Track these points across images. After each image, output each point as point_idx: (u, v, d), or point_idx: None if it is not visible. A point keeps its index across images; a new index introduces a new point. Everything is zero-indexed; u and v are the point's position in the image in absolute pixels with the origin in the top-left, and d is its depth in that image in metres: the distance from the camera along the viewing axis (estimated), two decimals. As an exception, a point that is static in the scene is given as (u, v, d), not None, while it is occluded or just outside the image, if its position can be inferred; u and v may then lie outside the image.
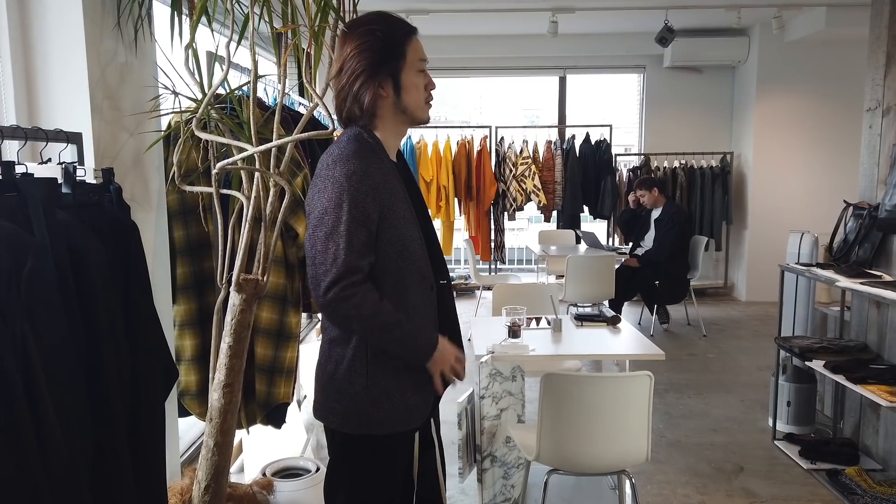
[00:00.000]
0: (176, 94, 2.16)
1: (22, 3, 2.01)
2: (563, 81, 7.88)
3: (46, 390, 1.23)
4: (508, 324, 2.86)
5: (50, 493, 1.21)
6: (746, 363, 5.20)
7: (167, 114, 2.36)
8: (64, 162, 1.56)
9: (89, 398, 1.41)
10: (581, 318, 3.25)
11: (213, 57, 2.41)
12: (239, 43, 2.11)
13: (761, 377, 4.77)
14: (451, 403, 2.67)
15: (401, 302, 1.56)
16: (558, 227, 7.42)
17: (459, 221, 7.58)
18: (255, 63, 2.02)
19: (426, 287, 1.62)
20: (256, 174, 2.03)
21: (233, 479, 2.54)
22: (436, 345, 1.59)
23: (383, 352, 1.57)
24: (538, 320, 3.26)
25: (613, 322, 3.19)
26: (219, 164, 1.87)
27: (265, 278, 2.08)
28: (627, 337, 3.04)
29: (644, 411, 2.24)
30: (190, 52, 2.04)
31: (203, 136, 2.04)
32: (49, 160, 1.66)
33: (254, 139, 1.92)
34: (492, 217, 7.44)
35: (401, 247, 1.56)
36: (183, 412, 2.66)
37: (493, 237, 7.48)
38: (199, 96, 2.11)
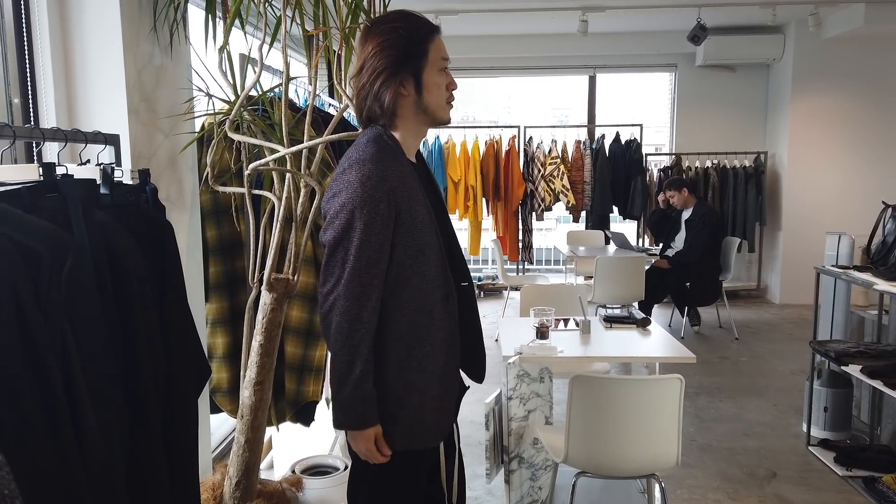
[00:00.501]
0: (210, 96, 2.20)
1: (62, 9, 2.06)
2: (592, 81, 7.82)
3: (85, 389, 1.26)
4: (536, 325, 2.85)
5: (88, 489, 1.24)
6: (780, 367, 5.10)
7: (201, 115, 2.40)
8: (102, 163, 1.59)
9: (125, 397, 1.44)
10: (610, 320, 3.23)
11: (245, 59, 2.44)
12: (271, 45, 2.14)
13: (795, 381, 4.68)
14: (478, 404, 2.67)
15: (416, 308, 1.54)
16: (587, 228, 7.36)
17: (487, 221, 7.57)
18: (287, 65, 2.04)
19: (444, 294, 1.58)
20: (287, 175, 2.05)
21: (263, 475, 2.58)
22: (358, 427, 1.52)
23: (408, 365, 1.55)
24: (566, 321, 3.24)
25: (643, 324, 3.16)
26: (251, 165, 1.90)
27: (295, 278, 2.11)
28: (657, 339, 3.01)
29: (674, 415, 2.21)
30: (224, 54, 2.07)
31: (236, 137, 2.07)
32: (88, 161, 1.70)
33: (285, 140, 1.95)
34: (520, 217, 7.42)
35: (416, 252, 1.53)
36: (214, 409, 2.71)
37: (520, 237, 7.45)
38: (232, 98, 2.15)
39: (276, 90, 2.27)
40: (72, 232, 1.38)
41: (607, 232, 6.78)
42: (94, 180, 1.43)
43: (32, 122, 2.00)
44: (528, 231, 7.45)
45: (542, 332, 2.84)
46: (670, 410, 2.20)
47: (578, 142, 7.31)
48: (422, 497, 1.68)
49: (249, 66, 2.22)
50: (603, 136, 7.38)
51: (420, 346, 1.55)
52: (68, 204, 1.38)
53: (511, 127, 7.59)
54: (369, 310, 1.49)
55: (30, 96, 1.99)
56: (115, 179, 1.60)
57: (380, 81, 1.52)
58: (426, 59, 1.53)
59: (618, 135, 7.33)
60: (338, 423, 1.54)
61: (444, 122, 1.61)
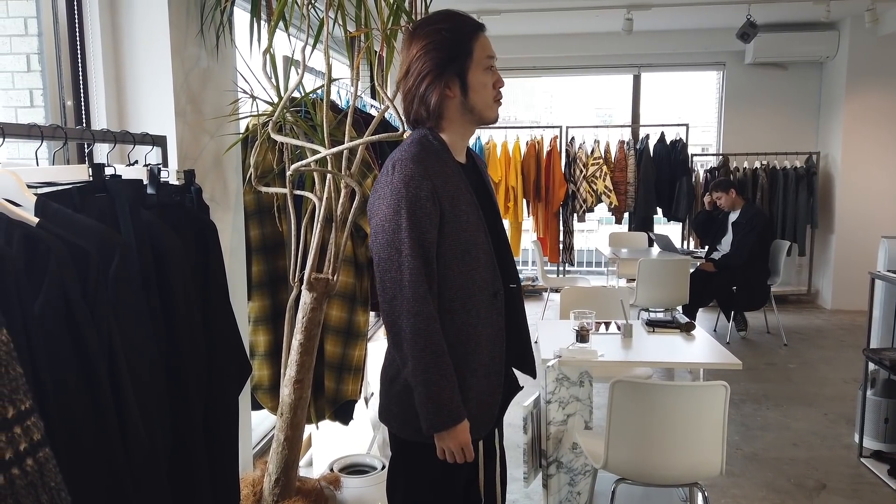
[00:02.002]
0: (253, 97, 2.23)
1: (113, 15, 2.12)
2: (637, 80, 7.69)
3: (129, 383, 1.29)
4: (577, 328, 2.82)
5: (132, 479, 1.27)
6: (830, 375, 4.93)
7: (245, 117, 2.44)
8: (149, 164, 1.63)
9: (168, 392, 1.47)
10: (653, 324, 3.17)
11: (289, 61, 2.48)
12: (314, 47, 2.16)
13: (847, 390, 4.52)
14: (516, 407, 2.65)
15: (463, 306, 1.54)
16: (630, 230, 7.25)
17: (528, 222, 7.52)
18: (329, 67, 2.06)
19: (491, 293, 1.59)
20: (328, 176, 2.07)
21: (302, 473, 2.61)
22: (456, 423, 1.49)
23: (454, 362, 1.53)
24: (607, 325, 3.19)
25: (687, 329, 3.09)
26: (293, 166, 1.92)
27: (335, 277, 2.12)
28: (702, 344, 2.94)
29: (719, 423, 2.16)
30: (267, 57, 2.10)
31: (278, 138, 2.10)
32: (136, 162, 1.74)
33: (326, 141, 1.96)
34: (561, 218, 7.35)
35: (462, 251, 1.53)
36: (256, 406, 2.75)
37: (561, 239, 7.38)
38: (276, 100, 2.17)
39: (319, 92, 2.29)
40: (119, 231, 1.42)
41: (651, 234, 6.66)
42: (141, 181, 1.46)
43: (84, 124, 2.06)
44: (569, 232, 7.37)
45: (582, 336, 2.80)
46: (714, 418, 2.15)
47: (622, 142, 7.20)
48: (458, 496, 1.67)
49: (292, 68, 2.24)
50: (647, 136, 7.25)
51: (466, 343, 1.55)
52: (116, 203, 1.42)
53: (553, 127, 7.52)
54: (434, 305, 1.48)
55: (82, 99, 2.05)
56: (162, 180, 1.64)
57: (425, 84, 1.51)
58: (471, 59, 1.52)
59: (662, 135, 7.19)
60: (434, 427, 1.49)
61: (491, 121, 1.60)
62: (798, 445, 3.71)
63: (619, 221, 7.42)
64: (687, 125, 7.19)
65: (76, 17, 2.02)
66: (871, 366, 3.48)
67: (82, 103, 2.05)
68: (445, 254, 1.52)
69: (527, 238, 7.53)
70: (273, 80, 2.14)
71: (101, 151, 2.07)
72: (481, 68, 1.53)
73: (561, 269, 7.58)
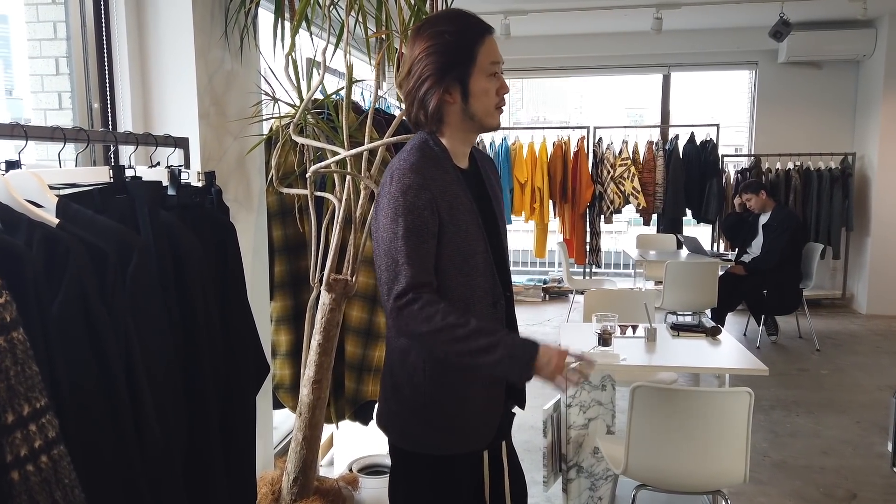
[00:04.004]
0: (276, 99, 2.25)
1: (140, 19, 2.16)
2: (666, 80, 7.59)
3: (145, 382, 1.31)
4: (599, 331, 2.78)
5: (147, 478, 1.29)
6: (864, 381, 4.80)
7: (268, 119, 2.46)
8: (170, 165, 1.65)
9: (185, 390, 1.49)
10: (678, 328, 3.11)
11: (311, 63, 2.49)
12: (336, 47, 2.17)
13: (881, 398, 4.40)
14: (537, 410, 2.63)
15: None
16: (658, 232, 7.16)
17: (554, 224, 7.47)
18: (350, 68, 2.07)
19: (490, 303, 1.54)
20: (347, 177, 2.08)
21: (324, 472, 2.63)
22: (536, 350, 1.40)
23: (447, 367, 1.50)
24: (634, 328, 3.15)
25: (713, 333, 3.03)
26: (312, 168, 1.93)
27: (354, 278, 2.13)
28: (728, 349, 2.88)
29: (743, 430, 2.11)
30: (290, 59, 2.12)
31: (300, 140, 2.11)
32: (158, 164, 1.76)
33: (346, 143, 1.97)
34: (588, 220, 7.28)
35: (461, 261, 1.49)
36: (277, 405, 2.77)
37: (588, 240, 7.31)
38: (297, 102, 2.19)
39: (341, 93, 2.30)
40: (139, 232, 1.44)
41: (679, 236, 6.56)
42: (161, 182, 1.48)
43: (110, 126, 2.10)
44: (595, 234, 7.30)
45: (604, 339, 2.77)
46: (738, 425, 2.10)
47: (650, 142, 7.11)
48: None
49: (314, 70, 2.26)
50: (676, 137, 7.15)
51: None
52: (135, 205, 1.44)
53: (580, 128, 7.46)
54: (443, 310, 1.41)
55: (108, 101, 2.09)
56: (182, 181, 1.67)
57: (425, 88, 1.47)
58: (474, 65, 1.46)
59: (692, 135, 7.08)
60: (525, 374, 1.40)
61: (492, 129, 1.56)
62: (828, 454, 3.62)
63: (647, 223, 7.32)
64: (717, 125, 7.07)
65: (103, 20, 2.06)
66: (906, 373, 3.37)
67: (108, 106, 2.09)
68: (445, 263, 1.48)
69: (553, 239, 7.48)
70: (294, 82, 2.15)
71: (125, 153, 2.11)
72: (485, 75, 1.48)
73: (588, 270, 7.51)
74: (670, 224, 7.08)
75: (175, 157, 1.94)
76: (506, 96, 1.54)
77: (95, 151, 2.08)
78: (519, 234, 9.21)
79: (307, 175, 2.00)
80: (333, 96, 2.30)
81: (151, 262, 1.38)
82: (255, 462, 1.79)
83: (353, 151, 1.88)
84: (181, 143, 1.84)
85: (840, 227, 6.76)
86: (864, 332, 6.19)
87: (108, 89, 2.08)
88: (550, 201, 7.23)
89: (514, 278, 7.90)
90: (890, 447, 3.47)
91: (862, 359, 5.34)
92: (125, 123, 2.13)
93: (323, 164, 1.95)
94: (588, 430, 2.72)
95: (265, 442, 2.65)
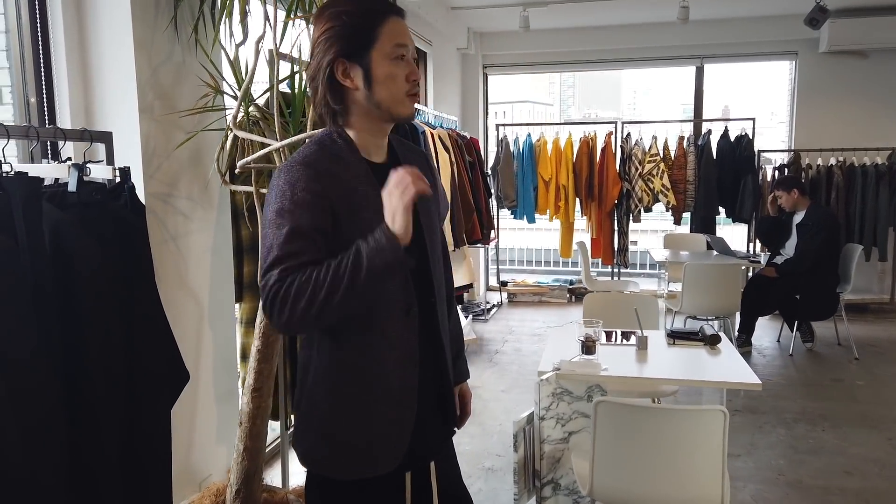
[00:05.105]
0: (219, 92, 2.15)
1: (79, 11, 2.08)
2: (699, 72, 7.24)
3: (5, 399, 1.22)
4: (582, 338, 2.60)
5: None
6: (904, 395, 4.44)
7: (205, 111, 2.33)
8: (68, 160, 1.56)
9: (70, 401, 1.39)
10: (675, 336, 2.89)
11: (273, 54, 2.38)
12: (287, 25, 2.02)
13: (920, 413, 4.04)
14: (509, 422, 2.46)
15: (362, 326, 1.37)
16: (691, 231, 6.83)
17: (581, 223, 7.22)
18: (274, 54, 1.95)
19: (400, 309, 1.39)
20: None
21: (278, 482, 2.52)
22: (385, 225, 1.25)
23: (346, 379, 1.37)
24: (627, 336, 2.94)
25: (712, 342, 2.80)
26: (240, 162, 1.82)
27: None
28: (725, 360, 2.65)
29: (717, 453, 1.90)
30: (221, 48, 2.01)
31: (240, 133, 2.01)
32: (69, 159, 1.68)
33: (278, 135, 1.85)
34: (615, 218, 7.01)
35: None
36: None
37: (615, 240, 7.04)
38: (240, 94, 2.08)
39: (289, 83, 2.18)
40: (13, 230, 1.35)
41: (707, 236, 6.23)
42: (39, 178, 1.39)
43: (47, 122, 2.03)
44: (623, 233, 7.02)
45: (588, 347, 2.58)
46: (712, 447, 1.89)
47: (681, 138, 6.78)
48: None
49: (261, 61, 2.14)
50: (709, 132, 6.80)
51: (370, 367, 1.38)
52: (11, 202, 1.35)
53: (607, 123, 7.19)
54: (301, 277, 1.24)
55: (45, 96, 2.02)
56: (85, 178, 1.57)
57: (323, 74, 1.34)
58: (374, 47, 1.33)
59: (726, 130, 6.73)
60: (395, 249, 1.24)
61: (404, 118, 1.40)
62: (851, 474, 3.32)
63: (677, 222, 7.00)
64: (753, 119, 6.69)
65: (37, 12, 1.99)
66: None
67: (45, 100, 2.02)
68: None
69: (578, 239, 7.24)
70: (233, 73, 2.05)
71: (68, 149, 2.03)
72: (388, 58, 1.34)
73: (615, 271, 7.24)
74: (702, 223, 6.75)
75: (92, 152, 1.85)
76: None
77: (31, 146, 2.02)
78: (543, 234, 8.98)
79: (236, 171, 1.88)
80: (284, 86, 2.19)
81: (15, 263, 1.28)
82: (169, 472, 1.68)
83: (277, 145, 1.76)
84: (100, 137, 1.75)
85: (887, 227, 6.30)
86: (911, 340, 5.76)
87: (44, 83, 2.01)
88: (577, 199, 6.99)
89: (539, 278, 7.69)
90: (921, 469, 3.17)
91: (904, 369, 4.95)
92: (64, 118, 2.06)
93: (250, 157, 1.83)
94: (569, 444, 2.53)
95: (226, 450, 2.56)
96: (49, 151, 1.99)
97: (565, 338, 2.94)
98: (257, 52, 1.91)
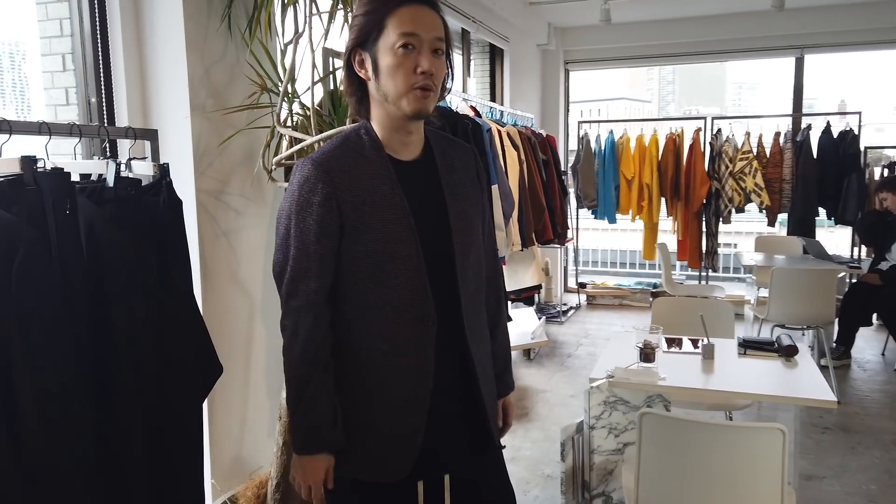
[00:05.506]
0: (265, 89, 2.18)
1: (137, 13, 2.16)
2: (799, 63, 6.74)
3: (30, 391, 1.26)
4: (640, 345, 2.45)
5: (22, 490, 1.24)
6: None
7: (251, 107, 2.35)
8: (107, 157, 1.61)
9: (98, 395, 1.43)
10: (747, 345, 2.68)
11: (329, 53, 2.39)
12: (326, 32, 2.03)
13: None
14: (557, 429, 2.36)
15: (374, 334, 1.32)
16: (788, 234, 6.38)
17: (667, 223, 6.90)
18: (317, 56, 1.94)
19: (416, 317, 1.32)
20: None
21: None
22: (320, 450, 1.34)
23: (353, 379, 1.35)
24: (695, 343, 2.75)
25: (788, 353, 2.57)
26: (274, 159, 1.83)
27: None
28: (800, 374, 2.42)
29: (776, 474, 1.73)
30: (263, 47, 2.03)
31: (282, 131, 2.02)
32: (107, 155, 1.74)
33: (314, 131, 1.85)
34: (703, 219, 6.65)
35: (372, 265, 1.30)
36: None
37: (703, 242, 6.68)
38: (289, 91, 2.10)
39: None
40: (45, 225, 1.40)
41: (802, 239, 5.78)
42: (68, 173, 1.43)
43: (106, 121, 2.12)
44: (711, 235, 6.65)
45: (646, 354, 2.44)
46: (768, 469, 1.72)
47: (777, 133, 6.35)
48: None
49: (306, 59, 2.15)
50: (809, 127, 6.32)
51: (369, 372, 1.34)
52: (43, 197, 1.40)
53: (696, 119, 6.83)
54: (308, 326, 1.31)
55: (104, 96, 2.11)
56: (122, 174, 1.62)
57: (345, 65, 1.34)
58: (381, 36, 1.27)
59: (828, 125, 6.23)
60: (300, 448, 1.39)
61: (408, 114, 1.29)
62: (956, 506, 2.97)
63: (771, 224, 6.55)
64: (859, 113, 6.17)
65: (97, 16, 2.08)
66: None
67: (104, 100, 2.11)
68: (350, 265, 1.31)
69: (664, 240, 6.92)
70: (281, 71, 2.06)
71: (123, 147, 2.11)
72: (391, 47, 1.26)
73: (703, 275, 6.88)
74: (799, 225, 6.29)
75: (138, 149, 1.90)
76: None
77: (94, 145, 2.12)
78: (626, 235, 8.67)
79: (272, 168, 1.89)
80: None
81: (44, 257, 1.33)
82: (201, 465, 1.71)
83: (310, 140, 1.75)
84: (145, 134, 1.80)
85: None
86: None
87: (102, 84, 2.10)
88: (661, 199, 6.69)
89: (621, 281, 7.40)
90: None
91: None
92: (121, 117, 2.14)
93: (283, 154, 1.84)
94: (623, 456, 2.40)
95: (270, 442, 2.59)
96: (107, 150, 2.08)
97: (625, 344, 2.79)
98: (294, 50, 1.92)
